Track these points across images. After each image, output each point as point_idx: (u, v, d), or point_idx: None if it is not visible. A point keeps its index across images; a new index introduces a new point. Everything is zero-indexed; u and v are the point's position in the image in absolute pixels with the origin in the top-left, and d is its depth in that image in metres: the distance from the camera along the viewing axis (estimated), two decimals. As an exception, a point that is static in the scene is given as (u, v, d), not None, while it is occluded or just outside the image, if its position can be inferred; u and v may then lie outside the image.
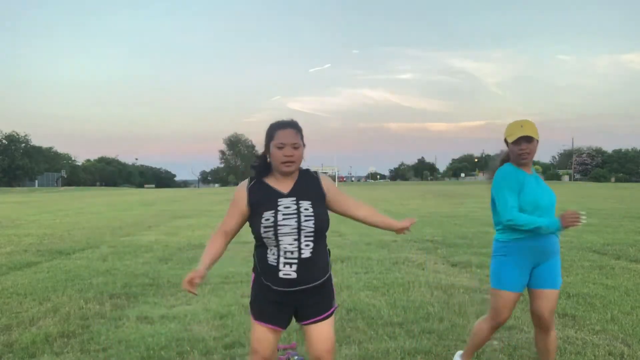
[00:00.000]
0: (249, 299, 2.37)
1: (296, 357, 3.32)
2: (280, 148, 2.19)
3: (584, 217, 2.56)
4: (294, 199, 2.23)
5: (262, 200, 2.24)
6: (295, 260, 2.18)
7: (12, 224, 13.52)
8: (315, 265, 2.22)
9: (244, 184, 2.32)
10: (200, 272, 2.17)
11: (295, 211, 2.19)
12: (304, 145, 2.27)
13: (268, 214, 2.19)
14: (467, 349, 3.10)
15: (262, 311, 2.27)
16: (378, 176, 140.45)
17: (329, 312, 2.30)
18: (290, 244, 2.17)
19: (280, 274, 2.19)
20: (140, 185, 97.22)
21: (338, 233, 10.62)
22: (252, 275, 2.35)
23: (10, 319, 4.44)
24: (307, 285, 2.21)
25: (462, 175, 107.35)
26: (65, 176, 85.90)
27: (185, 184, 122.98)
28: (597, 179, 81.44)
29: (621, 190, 35.82)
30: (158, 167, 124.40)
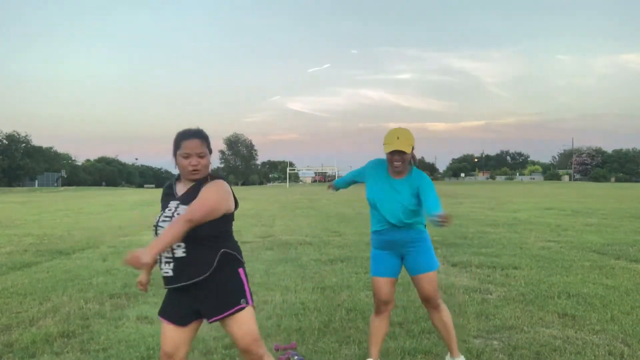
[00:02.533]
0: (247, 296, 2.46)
1: (296, 357, 3.32)
2: (186, 157, 2.32)
3: None
4: (178, 202, 2.35)
5: (163, 201, 2.43)
6: (171, 259, 2.29)
7: (12, 224, 13.52)
8: (191, 265, 2.27)
9: (167, 185, 2.52)
10: (143, 280, 2.60)
11: (171, 214, 2.32)
12: (210, 152, 2.41)
13: (158, 214, 2.38)
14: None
15: (164, 307, 2.41)
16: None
17: (231, 310, 2.31)
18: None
19: (162, 272, 2.33)
20: (140, 185, 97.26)
21: (338, 233, 10.62)
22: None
23: (10, 319, 4.44)
24: (184, 283, 2.28)
25: (462, 175, 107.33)
26: (65, 176, 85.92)
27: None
28: (597, 179, 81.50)
29: (621, 190, 35.83)
30: (158, 167, 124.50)
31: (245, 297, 2.35)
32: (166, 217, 2.33)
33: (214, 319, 2.32)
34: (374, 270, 3.15)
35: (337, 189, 3.64)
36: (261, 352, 2.38)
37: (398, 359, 3.44)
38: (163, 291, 2.44)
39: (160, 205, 2.46)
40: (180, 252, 2.27)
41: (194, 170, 2.32)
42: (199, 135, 2.36)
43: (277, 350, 3.42)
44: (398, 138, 2.90)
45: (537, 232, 10.40)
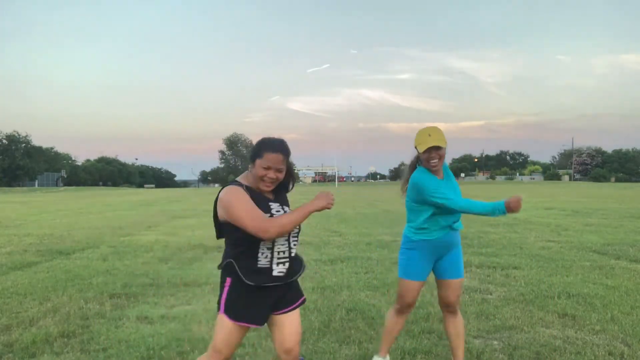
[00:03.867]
0: (220, 304, 2.33)
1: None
2: (265, 169, 2.30)
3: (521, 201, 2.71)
4: (279, 204, 2.39)
5: (256, 203, 2.29)
6: (287, 259, 2.33)
7: (12, 224, 13.52)
8: (297, 260, 2.42)
9: (237, 188, 2.31)
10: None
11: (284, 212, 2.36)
12: (286, 167, 2.38)
13: (266, 217, 2.27)
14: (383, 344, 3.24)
15: (243, 312, 2.30)
16: (378, 176, 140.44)
17: (299, 302, 2.44)
18: (282, 245, 2.32)
19: (274, 273, 2.30)
20: (140, 185, 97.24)
21: (338, 233, 10.61)
22: (227, 281, 2.32)
23: (10, 319, 4.44)
24: (292, 279, 2.39)
25: (462, 175, 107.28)
26: (65, 176, 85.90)
27: (185, 184, 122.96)
28: (597, 179, 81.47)
29: (621, 190, 35.83)
30: (158, 167, 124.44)
31: (302, 291, 2.50)
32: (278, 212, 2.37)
33: (284, 310, 2.38)
34: (407, 273, 3.04)
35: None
36: (298, 353, 2.43)
37: (398, 359, 3.44)
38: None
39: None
40: (294, 251, 2.38)
41: (269, 184, 2.33)
42: (284, 150, 2.33)
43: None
44: (430, 135, 2.88)
45: (537, 232, 10.40)
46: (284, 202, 2.44)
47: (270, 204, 2.35)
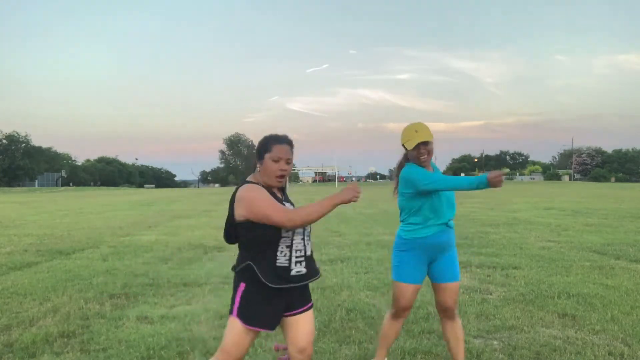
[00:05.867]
0: (233, 307, 2.32)
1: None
2: (275, 161, 2.30)
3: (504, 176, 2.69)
4: (290, 204, 2.41)
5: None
6: (303, 258, 2.34)
7: (12, 224, 13.52)
8: (313, 261, 2.42)
9: (255, 185, 2.31)
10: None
11: None
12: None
13: None
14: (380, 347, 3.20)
15: (257, 316, 2.29)
16: (378, 176, 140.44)
17: (311, 304, 2.44)
18: (299, 243, 2.32)
19: (292, 272, 2.29)
20: (140, 185, 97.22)
21: (338, 233, 10.62)
22: (240, 286, 2.30)
23: (10, 319, 4.44)
24: (314, 278, 2.38)
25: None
26: (65, 176, 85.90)
27: (185, 184, 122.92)
28: (597, 179, 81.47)
29: (621, 190, 35.83)
30: (158, 167, 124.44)
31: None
32: None
33: (298, 310, 2.37)
34: (400, 275, 2.96)
35: None
36: (311, 352, 2.43)
37: (398, 359, 3.44)
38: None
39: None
40: (309, 250, 2.38)
41: (281, 176, 2.32)
42: (290, 142, 2.36)
43: (277, 350, 3.41)
44: (417, 131, 2.87)
45: (537, 232, 10.40)
46: (291, 203, 2.45)
47: (285, 203, 2.38)
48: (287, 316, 2.37)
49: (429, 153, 2.90)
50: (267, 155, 2.30)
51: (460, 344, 3.07)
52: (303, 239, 2.34)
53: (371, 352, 3.51)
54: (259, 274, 2.25)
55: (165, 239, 9.85)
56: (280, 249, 2.27)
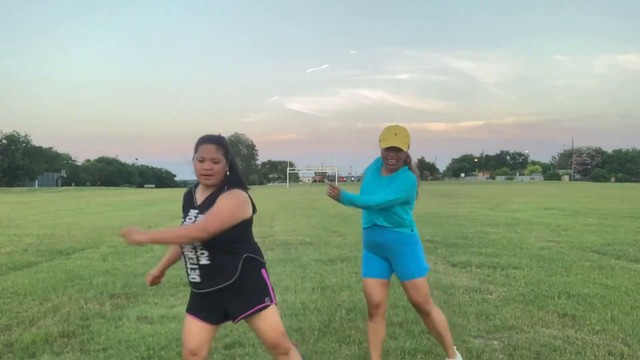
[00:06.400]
0: (271, 291, 2.50)
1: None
2: (200, 161, 2.34)
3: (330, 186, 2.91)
4: (198, 212, 2.39)
5: (184, 208, 2.48)
6: (196, 266, 2.36)
7: (12, 224, 13.52)
8: (217, 271, 2.34)
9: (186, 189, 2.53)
10: (153, 273, 2.66)
11: (192, 223, 2.37)
12: (228, 159, 2.38)
13: (180, 223, 2.41)
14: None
15: (192, 305, 2.46)
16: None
17: (256, 308, 2.37)
18: (190, 252, 2.36)
19: (189, 278, 2.41)
20: (140, 185, 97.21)
21: (338, 233, 10.62)
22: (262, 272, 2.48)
23: (10, 319, 4.44)
24: (211, 289, 2.36)
25: (462, 175, 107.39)
26: (65, 176, 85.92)
27: (185, 184, 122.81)
28: (597, 179, 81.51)
29: (621, 190, 35.84)
30: (158, 167, 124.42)
31: (269, 295, 2.43)
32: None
33: (240, 317, 2.38)
34: (364, 271, 3.11)
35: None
36: (288, 346, 2.44)
37: (398, 359, 3.44)
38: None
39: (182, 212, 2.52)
40: (204, 260, 2.33)
41: (206, 175, 2.33)
42: (216, 141, 2.37)
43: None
44: (396, 134, 2.89)
45: (537, 232, 10.40)
46: (205, 209, 2.33)
47: (191, 210, 2.42)
48: (242, 319, 2.40)
49: (398, 159, 2.92)
50: (194, 156, 2.38)
51: (442, 335, 3.15)
52: (194, 249, 2.33)
53: (371, 352, 3.51)
54: None
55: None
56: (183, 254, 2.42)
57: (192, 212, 2.40)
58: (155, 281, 2.67)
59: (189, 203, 2.47)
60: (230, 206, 2.30)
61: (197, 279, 2.36)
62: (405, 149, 2.91)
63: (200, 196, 2.44)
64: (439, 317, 3.13)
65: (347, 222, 12.95)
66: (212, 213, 2.27)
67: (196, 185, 2.51)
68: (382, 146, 2.94)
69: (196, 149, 2.37)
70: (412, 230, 3.02)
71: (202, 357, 2.42)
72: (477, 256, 7.35)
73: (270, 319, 2.39)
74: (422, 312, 3.10)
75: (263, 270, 2.45)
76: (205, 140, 2.38)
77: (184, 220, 2.42)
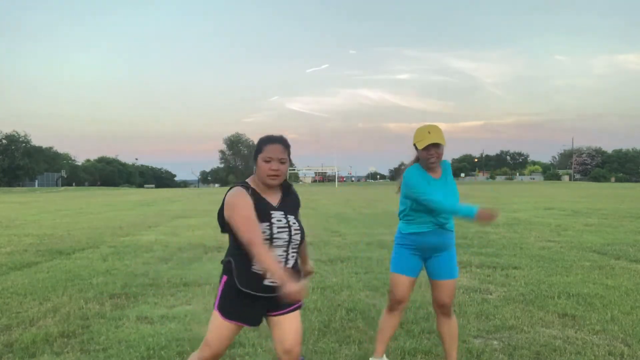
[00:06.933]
0: (215, 300, 2.39)
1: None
2: (267, 162, 2.30)
3: (496, 217, 2.79)
4: (283, 212, 2.36)
5: (257, 210, 2.30)
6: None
7: (12, 224, 13.52)
8: (295, 271, 2.36)
9: (242, 191, 2.32)
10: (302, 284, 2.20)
11: (286, 225, 2.33)
12: (290, 161, 2.40)
13: (264, 226, 2.28)
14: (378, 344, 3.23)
15: (234, 311, 2.34)
16: (378, 176, 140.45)
17: (297, 305, 2.40)
18: (279, 255, 2.31)
19: (266, 282, 2.29)
20: (140, 185, 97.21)
21: (338, 233, 10.61)
22: (223, 278, 2.37)
23: (10, 319, 4.44)
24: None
25: (462, 175, 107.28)
26: (65, 176, 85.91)
27: (185, 184, 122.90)
28: (597, 179, 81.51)
29: (621, 190, 35.83)
30: (158, 167, 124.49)
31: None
32: (281, 228, 2.32)
33: (282, 311, 2.37)
34: (396, 267, 3.08)
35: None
36: (298, 354, 2.43)
37: (398, 359, 3.44)
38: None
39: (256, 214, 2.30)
40: (292, 262, 2.37)
41: (274, 175, 2.31)
42: (283, 141, 2.35)
43: None
44: (430, 133, 2.90)
45: (537, 232, 10.40)
46: (290, 210, 2.39)
47: (272, 212, 2.33)
48: (272, 315, 2.38)
49: (439, 157, 2.93)
50: (259, 156, 2.32)
51: (454, 341, 3.14)
52: (286, 251, 2.32)
53: (371, 352, 3.51)
54: (234, 273, 2.31)
55: (165, 239, 9.85)
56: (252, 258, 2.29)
57: (277, 214, 2.33)
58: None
59: (263, 204, 2.33)
60: None
61: (276, 283, 2.19)
62: (444, 143, 2.91)
63: (269, 196, 2.37)
64: (456, 322, 3.18)
65: (347, 222, 12.95)
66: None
67: (247, 184, 2.38)
68: (419, 147, 2.91)
69: (260, 149, 2.33)
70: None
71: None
72: (477, 256, 7.35)
73: (298, 320, 2.41)
74: (447, 313, 3.09)
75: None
76: (272, 140, 2.34)
77: (269, 223, 2.28)
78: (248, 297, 2.31)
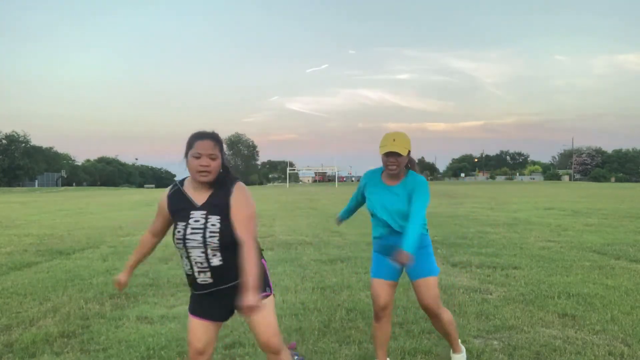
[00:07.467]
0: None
1: (296, 357, 3.32)
2: (197, 158, 2.27)
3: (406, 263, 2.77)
4: (204, 212, 2.30)
5: (178, 210, 2.36)
6: (207, 269, 2.32)
7: (12, 224, 13.52)
8: (228, 270, 2.31)
9: (166, 190, 2.45)
10: (120, 278, 2.58)
11: (202, 226, 2.27)
12: (222, 156, 2.34)
13: (180, 226, 2.31)
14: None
15: (196, 306, 2.43)
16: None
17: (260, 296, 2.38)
18: (199, 256, 2.30)
19: (198, 280, 2.35)
20: (140, 185, 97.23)
21: (338, 233, 10.61)
22: None
23: (10, 319, 4.44)
24: (226, 286, 2.35)
25: (462, 175, 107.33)
26: (65, 176, 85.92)
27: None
28: (597, 179, 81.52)
29: (621, 190, 35.83)
30: (158, 167, 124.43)
31: (268, 285, 2.45)
32: (195, 229, 2.27)
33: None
34: (374, 272, 3.13)
35: (341, 220, 3.72)
36: (280, 347, 2.44)
37: (398, 359, 3.44)
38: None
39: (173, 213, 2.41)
40: (216, 261, 2.29)
41: (203, 172, 2.26)
42: (212, 137, 2.31)
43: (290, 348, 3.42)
44: (394, 140, 2.92)
45: (537, 232, 10.40)
46: (215, 210, 2.29)
47: (192, 212, 2.30)
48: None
49: (399, 164, 2.94)
50: (190, 152, 2.30)
51: (450, 335, 3.18)
52: (204, 252, 2.28)
53: (371, 352, 3.51)
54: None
55: (165, 239, 9.81)
56: (181, 257, 2.37)
57: (197, 214, 2.29)
58: (125, 286, 2.63)
59: (184, 203, 2.34)
60: (250, 201, 2.33)
61: (209, 280, 2.32)
62: (404, 154, 2.92)
63: (195, 195, 2.34)
64: (449, 317, 3.16)
65: (347, 222, 12.94)
66: (244, 216, 2.27)
67: (181, 183, 2.42)
68: (381, 152, 2.95)
69: (190, 145, 2.29)
70: (426, 231, 3.10)
71: (208, 355, 2.44)
72: (477, 256, 7.35)
73: (269, 312, 2.40)
74: (432, 315, 3.10)
75: (263, 260, 2.46)
76: (201, 136, 2.29)
77: (187, 223, 2.29)
78: (204, 294, 2.38)
